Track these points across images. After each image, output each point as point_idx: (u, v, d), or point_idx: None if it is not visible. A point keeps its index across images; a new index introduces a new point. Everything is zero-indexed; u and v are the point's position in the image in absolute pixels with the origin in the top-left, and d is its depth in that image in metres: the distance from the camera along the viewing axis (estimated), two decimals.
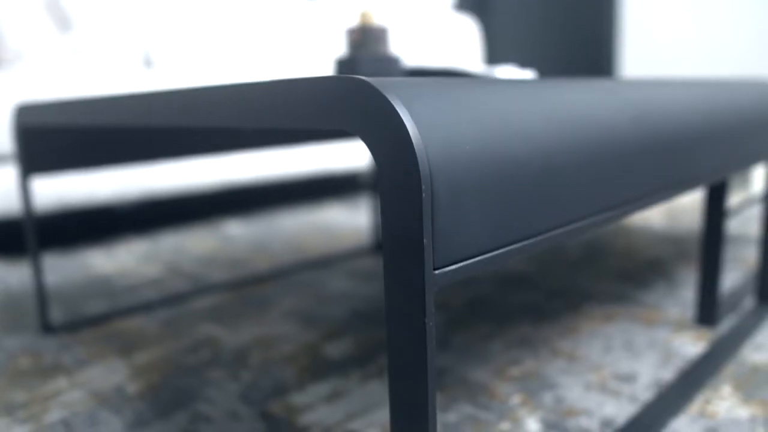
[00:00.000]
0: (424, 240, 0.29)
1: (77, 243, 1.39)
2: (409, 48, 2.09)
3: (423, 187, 0.28)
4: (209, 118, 0.43)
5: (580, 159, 0.39)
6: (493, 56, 2.95)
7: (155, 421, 0.60)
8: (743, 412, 0.58)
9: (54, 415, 0.62)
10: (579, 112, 0.40)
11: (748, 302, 0.86)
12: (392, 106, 0.29)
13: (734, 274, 0.98)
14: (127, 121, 0.53)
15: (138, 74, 1.32)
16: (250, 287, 1.02)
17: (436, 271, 0.30)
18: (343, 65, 0.75)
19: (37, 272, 0.82)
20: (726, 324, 0.78)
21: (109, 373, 0.71)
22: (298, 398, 0.64)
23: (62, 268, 1.17)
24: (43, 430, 0.59)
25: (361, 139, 0.31)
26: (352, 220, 1.55)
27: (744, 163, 0.63)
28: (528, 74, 0.85)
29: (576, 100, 0.41)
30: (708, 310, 0.76)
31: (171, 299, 0.95)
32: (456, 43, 2.21)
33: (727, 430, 0.55)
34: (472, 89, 0.35)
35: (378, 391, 0.65)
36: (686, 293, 0.90)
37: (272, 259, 1.19)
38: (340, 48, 1.96)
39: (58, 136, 0.81)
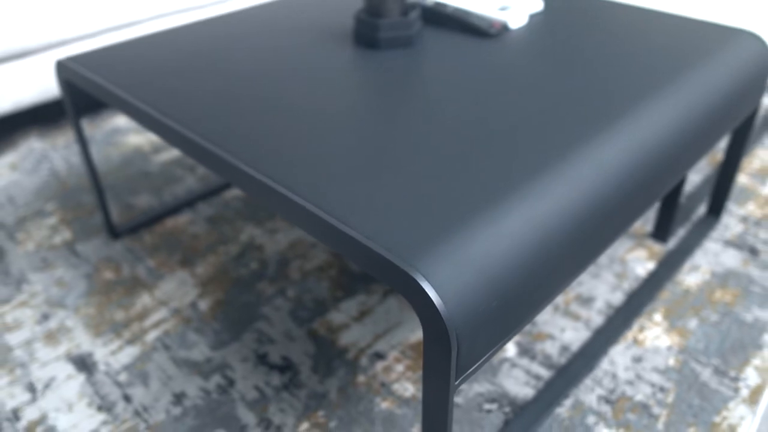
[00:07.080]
0: (451, 377, 0.45)
1: (100, 105, 1.46)
2: None
3: (452, 354, 0.43)
4: (280, 210, 0.54)
5: (574, 248, 0.52)
6: None
7: (232, 342, 0.81)
8: (665, 341, 0.79)
9: (152, 335, 0.82)
10: (574, 202, 0.52)
11: (700, 210, 1.02)
12: (427, 295, 0.42)
13: (694, 176, 1.12)
14: (200, 162, 0.62)
15: None
16: None
17: (456, 382, 0.46)
18: (362, 26, 0.78)
19: (98, 189, 0.94)
20: (676, 238, 0.96)
21: (181, 288, 0.89)
22: (336, 317, 0.84)
23: (97, 142, 1.28)
24: (149, 351, 0.80)
25: (407, 300, 0.44)
26: None
27: (717, 140, 0.74)
28: (538, 4, 0.88)
29: (569, 190, 0.53)
30: (662, 230, 0.93)
31: (207, 192, 1.09)
32: None
33: (649, 359, 0.76)
34: (485, 239, 0.47)
35: (394, 309, 0.84)
36: None
37: None
38: None
39: None
